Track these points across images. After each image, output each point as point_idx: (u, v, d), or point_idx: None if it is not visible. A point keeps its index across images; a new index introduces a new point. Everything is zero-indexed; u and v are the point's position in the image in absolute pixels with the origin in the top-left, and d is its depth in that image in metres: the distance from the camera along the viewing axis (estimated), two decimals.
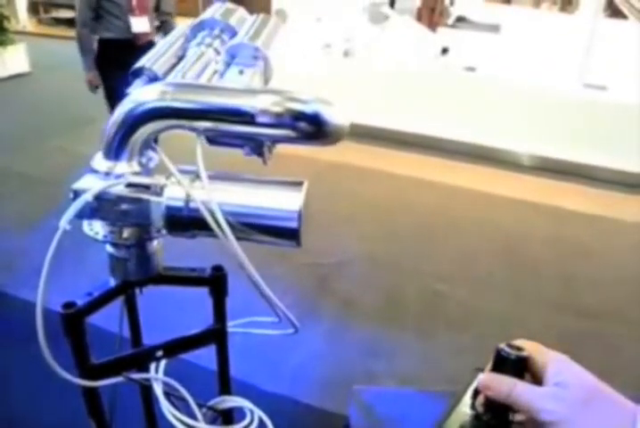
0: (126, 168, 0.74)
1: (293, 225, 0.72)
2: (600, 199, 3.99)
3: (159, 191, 0.73)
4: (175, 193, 0.73)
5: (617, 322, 2.61)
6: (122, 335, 1.00)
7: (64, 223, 0.71)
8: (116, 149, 0.74)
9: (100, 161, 0.75)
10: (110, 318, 0.96)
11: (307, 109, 0.67)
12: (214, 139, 0.77)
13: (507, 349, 0.66)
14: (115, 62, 3.16)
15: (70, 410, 0.91)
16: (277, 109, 0.67)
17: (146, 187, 0.74)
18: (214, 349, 0.98)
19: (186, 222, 0.73)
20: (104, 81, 3.49)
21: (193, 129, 0.72)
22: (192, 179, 0.73)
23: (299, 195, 0.73)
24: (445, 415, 0.75)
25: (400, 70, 4.81)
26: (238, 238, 0.72)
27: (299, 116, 0.67)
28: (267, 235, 0.74)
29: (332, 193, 3.77)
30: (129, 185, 0.74)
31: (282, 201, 0.72)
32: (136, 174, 0.75)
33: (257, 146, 0.77)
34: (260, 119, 0.68)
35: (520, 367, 0.67)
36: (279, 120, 0.67)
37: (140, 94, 0.72)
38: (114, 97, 3.45)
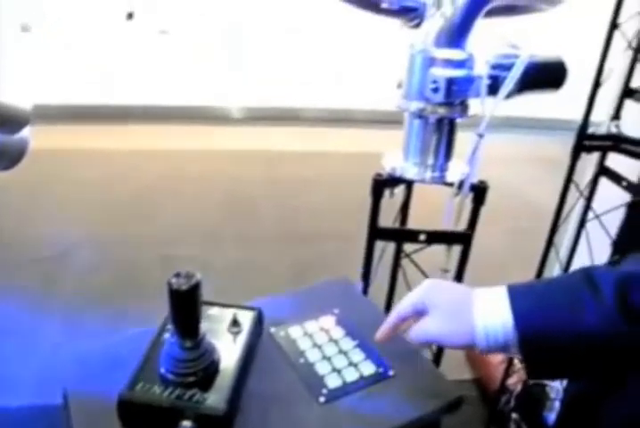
0: None
1: None
2: (308, 136, 4.24)
3: None
4: None
5: (335, 240, 2.87)
6: None
7: None
8: None
9: None
10: None
11: None
12: None
13: (177, 281, 0.64)
14: None
15: None
16: None
17: None
18: None
19: None
20: None
21: None
22: None
23: None
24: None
25: (87, 39, 4.47)
26: None
27: None
28: None
29: (45, 180, 3.43)
30: None
31: None
32: None
33: None
34: None
35: (195, 294, 0.65)
36: None
37: None
38: None
